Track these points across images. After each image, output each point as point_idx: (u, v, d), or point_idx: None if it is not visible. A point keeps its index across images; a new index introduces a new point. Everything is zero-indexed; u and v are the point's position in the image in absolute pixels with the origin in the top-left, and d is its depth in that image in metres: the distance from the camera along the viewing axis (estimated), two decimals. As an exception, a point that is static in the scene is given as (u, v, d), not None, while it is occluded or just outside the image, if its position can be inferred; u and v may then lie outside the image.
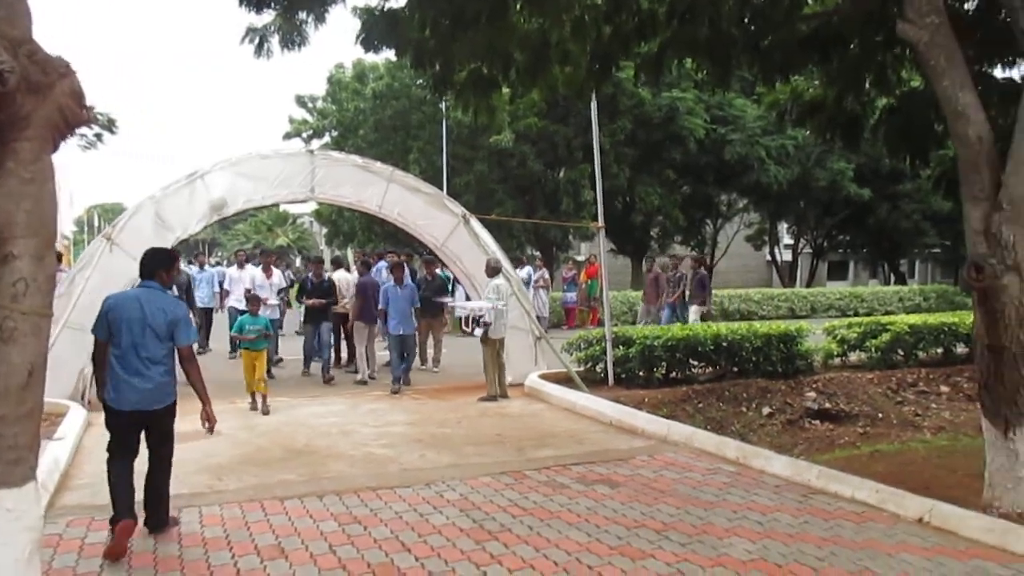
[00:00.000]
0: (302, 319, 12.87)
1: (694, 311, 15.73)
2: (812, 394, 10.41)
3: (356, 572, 4.48)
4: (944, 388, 11.40)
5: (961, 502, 5.55)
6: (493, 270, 10.51)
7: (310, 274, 12.56)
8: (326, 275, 12.52)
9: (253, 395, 9.44)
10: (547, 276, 20.77)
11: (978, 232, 5.35)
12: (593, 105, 10.63)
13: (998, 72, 8.07)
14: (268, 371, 10.68)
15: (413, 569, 4.53)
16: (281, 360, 12.78)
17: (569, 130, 23.57)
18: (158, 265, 5.29)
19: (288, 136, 29.07)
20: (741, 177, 26.10)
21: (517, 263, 18.86)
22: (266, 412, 9.23)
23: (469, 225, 11.25)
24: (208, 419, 5.37)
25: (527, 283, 17.61)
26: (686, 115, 23.88)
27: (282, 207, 57.06)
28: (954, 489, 6.02)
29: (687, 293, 16.39)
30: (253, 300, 10.13)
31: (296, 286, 14.79)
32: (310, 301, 11.88)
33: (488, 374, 10.44)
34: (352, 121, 26.71)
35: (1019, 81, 7.31)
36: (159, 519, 5.15)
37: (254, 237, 58.95)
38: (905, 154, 8.71)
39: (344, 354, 13.17)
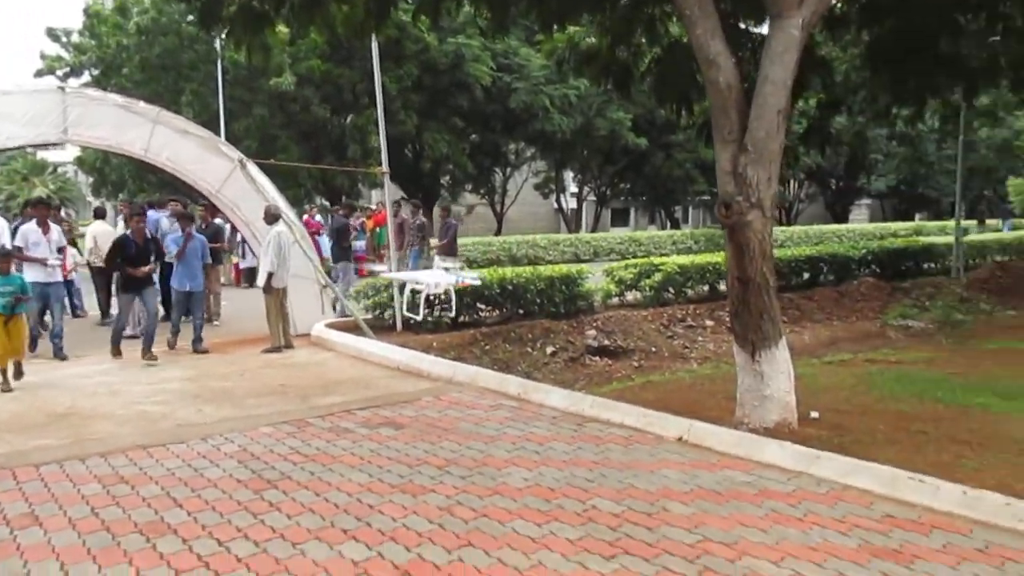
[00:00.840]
0: (116, 286, 10.59)
1: (449, 262, 15.55)
2: (592, 332, 10.96)
3: (121, 533, 4.22)
4: (709, 322, 12.39)
5: (717, 421, 6.08)
6: (273, 217, 10.10)
7: (129, 232, 10.25)
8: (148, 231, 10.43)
9: (4, 372, 8.07)
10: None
11: (727, 172, 5.80)
12: (374, 47, 10.39)
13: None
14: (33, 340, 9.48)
15: (185, 524, 4.34)
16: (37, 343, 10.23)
17: (355, 74, 22.99)
18: None
19: (40, 74, 26.13)
20: (527, 125, 26.68)
21: (350, 210, 17.57)
22: (18, 376, 8.28)
23: (246, 170, 10.68)
24: None
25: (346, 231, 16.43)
26: (472, 62, 23.99)
27: (39, 154, 51.64)
28: (712, 410, 6.58)
29: (430, 242, 16.20)
30: (2, 257, 8.51)
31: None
32: (141, 271, 9.68)
33: (271, 325, 10.11)
34: (115, 59, 24.44)
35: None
36: None
37: (6, 188, 52.90)
38: (671, 103, 9.23)
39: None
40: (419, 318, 9.98)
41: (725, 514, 4.36)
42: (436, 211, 17.65)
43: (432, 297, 10.27)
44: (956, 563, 3.75)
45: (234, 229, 14.20)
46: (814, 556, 3.83)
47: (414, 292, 10.60)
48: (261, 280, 10.13)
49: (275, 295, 10.07)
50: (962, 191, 18.25)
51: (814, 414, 6.42)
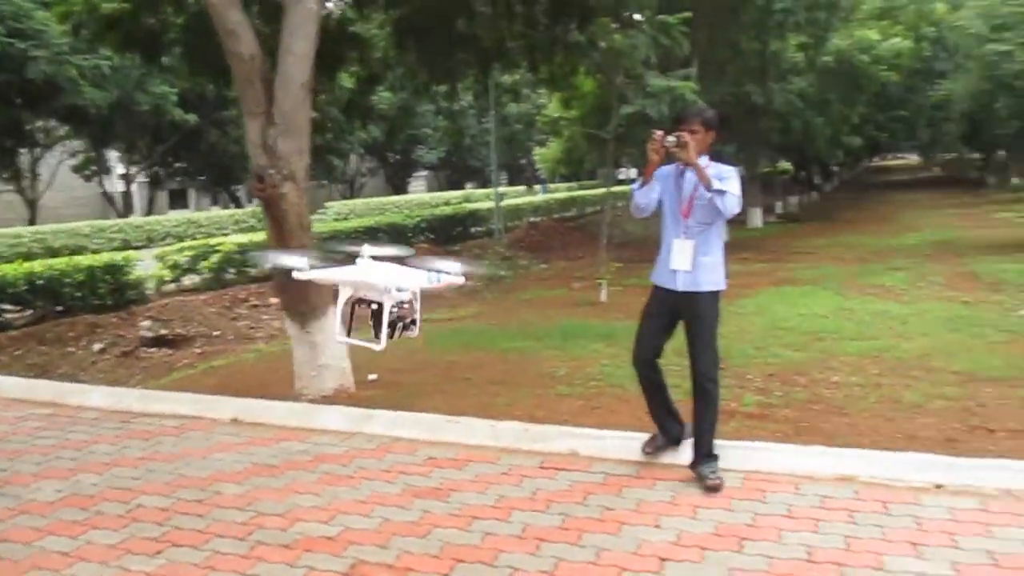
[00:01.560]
0: None
1: None
2: (147, 323, 10.28)
3: None
4: (274, 300, 12.28)
5: (279, 396, 6.08)
6: None
7: None
8: None
9: None
10: None
11: (257, 145, 5.74)
12: None
13: None
14: None
15: None
16: None
17: None
18: None
19: None
20: (52, 100, 23.68)
21: None
22: None
23: None
24: None
25: None
26: (-33, 25, 20.53)
27: None
28: (275, 387, 6.56)
29: None
30: None
31: None
32: None
33: None
34: None
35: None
36: None
37: None
38: (203, 75, 8.86)
39: None
40: (380, 347, 6.12)
41: (279, 486, 4.37)
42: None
43: (394, 310, 6.83)
44: (484, 489, 4.20)
45: None
46: (363, 508, 4.01)
47: (358, 304, 7.19)
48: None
49: None
50: (499, 161, 20.32)
51: (372, 376, 6.74)
